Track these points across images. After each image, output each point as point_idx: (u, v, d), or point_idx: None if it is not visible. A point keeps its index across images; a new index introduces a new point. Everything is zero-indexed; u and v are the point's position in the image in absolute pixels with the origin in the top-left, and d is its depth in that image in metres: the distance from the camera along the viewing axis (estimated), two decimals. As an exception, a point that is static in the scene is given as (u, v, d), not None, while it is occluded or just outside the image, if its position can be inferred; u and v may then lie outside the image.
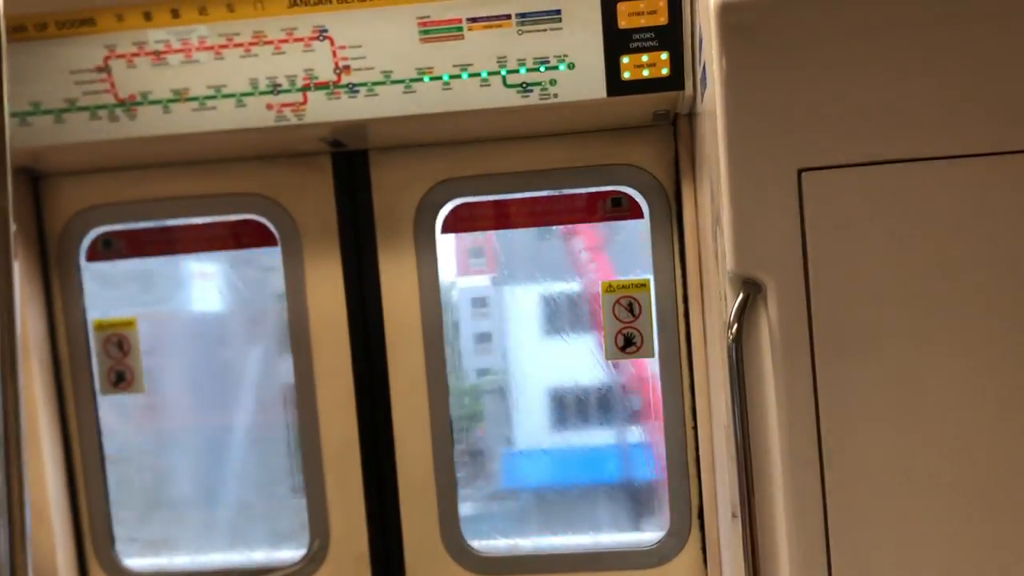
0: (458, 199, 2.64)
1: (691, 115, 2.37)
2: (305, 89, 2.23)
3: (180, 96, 2.25)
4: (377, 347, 2.65)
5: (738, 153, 1.56)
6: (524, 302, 2.86)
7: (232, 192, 2.66)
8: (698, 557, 2.61)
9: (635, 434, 2.82)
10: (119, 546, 2.79)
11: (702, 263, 2.38)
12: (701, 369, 2.49)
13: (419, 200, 2.62)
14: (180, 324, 2.92)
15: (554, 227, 2.73)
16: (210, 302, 2.90)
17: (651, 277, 2.58)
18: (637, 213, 2.60)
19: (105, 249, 2.76)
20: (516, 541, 2.79)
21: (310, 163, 2.63)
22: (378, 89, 2.21)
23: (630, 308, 2.59)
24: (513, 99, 2.20)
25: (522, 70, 2.18)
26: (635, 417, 2.80)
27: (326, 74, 2.22)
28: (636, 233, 2.62)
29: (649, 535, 2.68)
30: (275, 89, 2.23)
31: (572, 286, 2.78)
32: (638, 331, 2.60)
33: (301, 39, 2.20)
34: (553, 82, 2.18)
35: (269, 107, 2.24)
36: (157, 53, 2.23)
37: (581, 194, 2.65)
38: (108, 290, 2.79)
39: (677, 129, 2.48)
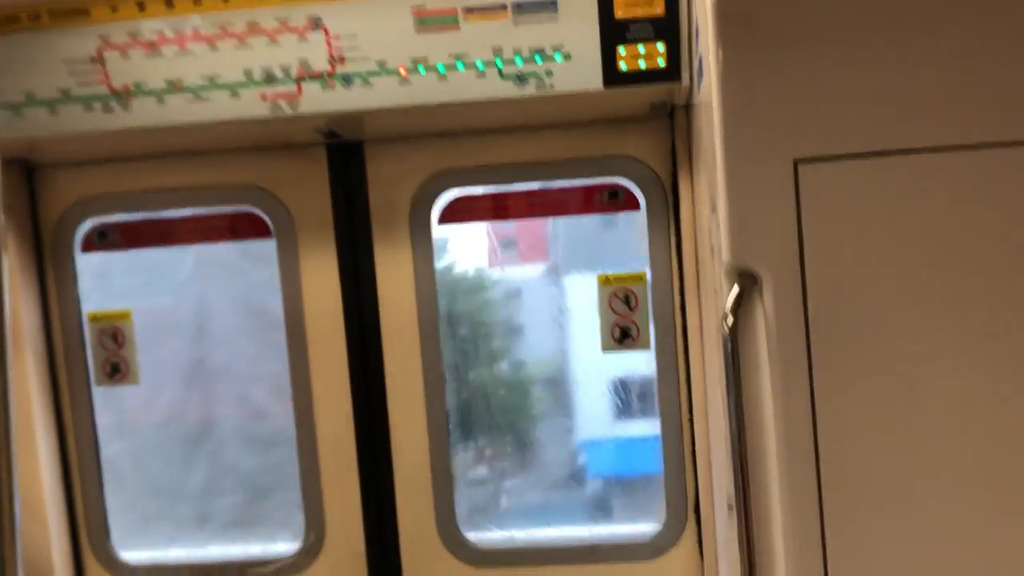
0: (454, 190, 2.63)
1: (688, 106, 2.37)
2: (300, 80, 2.22)
3: (174, 87, 2.24)
4: (373, 339, 2.64)
5: (734, 144, 1.56)
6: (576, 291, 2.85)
7: (227, 184, 2.65)
8: (694, 549, 2.61)
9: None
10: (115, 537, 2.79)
11: (699, 255, 2.38)
12: (697, 361, 2.48)
13: (415, 191, 2.61)
14: (174, 316, 2.91)
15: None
16: (205, 293, 2.90)
17: (648, 270, 2.57)
18: (634, 205, 2.59)
19: (100, 240, 2.75)
20: (512, 533, 2.79)
21: (305, 154, 2.62)
22: (373, 80, 2.20)
23: (626, 300, 2.59)
24: (509, 90, 2.19)
25: (518, 60, 2.17)
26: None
27: (321, 64, 2.20)
28: (633, 226, 2.61)
29: (645, 527, 2.67)
30: (269, 80, 2.22)
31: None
32: (635, 323, 2.59)
33: (296, 29, 2.18)
34: (549, 73, 2.17)
35: (264, 98, 2.23)
36: (151, 43, 2.22)
37: (578, 186, 2.64)
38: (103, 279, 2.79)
39: (674, 121, 2.47)
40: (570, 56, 2.16)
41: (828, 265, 1.55)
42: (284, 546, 2.75)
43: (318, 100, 2.23)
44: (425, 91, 2.20)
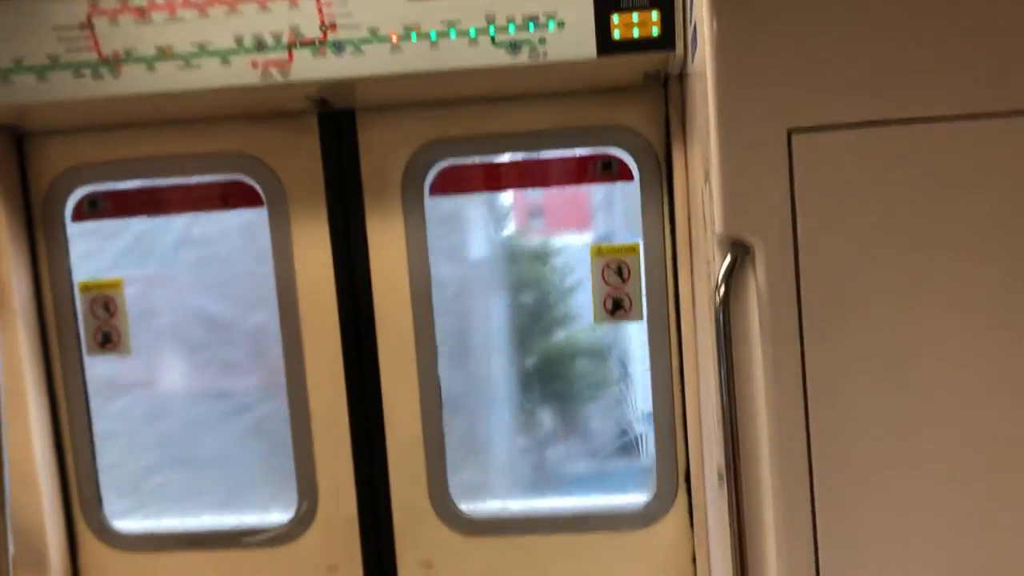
0: (447, 160, 2.61)
1: (682, 76, 2.35)
2: (291, 47, 2.19)
3: (164, 53, 2.22)
4: (365, 308, 2.64)
5: (728, 114, 1.55)
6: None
7: (218, 152, 2.63)
8: (685, 519, 2.63)
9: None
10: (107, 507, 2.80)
11: (692, 226, 2.37)
12: (689, 332, 2.48)
13: (407, 161, 2.59)
14: (166, 285, 2.90)
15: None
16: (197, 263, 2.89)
17: (640, 240, 2.57)
18: (627, 175, 2.58)
19: (91, 209, 2.73)
20: (504, 503, 2.81)
21: (297, 123, 2.60)
22: (365, 47, 2.18)
23: (619, 272, 2.59)
24: (502, 58, 2.17)
25: (511, 28, 2.15)
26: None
27: (312, 31, 2.18)
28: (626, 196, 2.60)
29: (636, 497, 2.69)
30: (260, 47, 2.20)
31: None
32: (627, 295, 2.59)
33: None
34: (542, 41, 2.15)
35: (254, 65, 2.21)
36: (140, 10, 2.20)
37: (571, 157, 2.63)
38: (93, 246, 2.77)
39: (668, 90, 2.45)
40: (563, 24, 2.14)
41: (821, 235, 1.55)
42: (277, 515, 2.76)
43: (309, 67, 2.21)
44: (417, 59, 2.18)
